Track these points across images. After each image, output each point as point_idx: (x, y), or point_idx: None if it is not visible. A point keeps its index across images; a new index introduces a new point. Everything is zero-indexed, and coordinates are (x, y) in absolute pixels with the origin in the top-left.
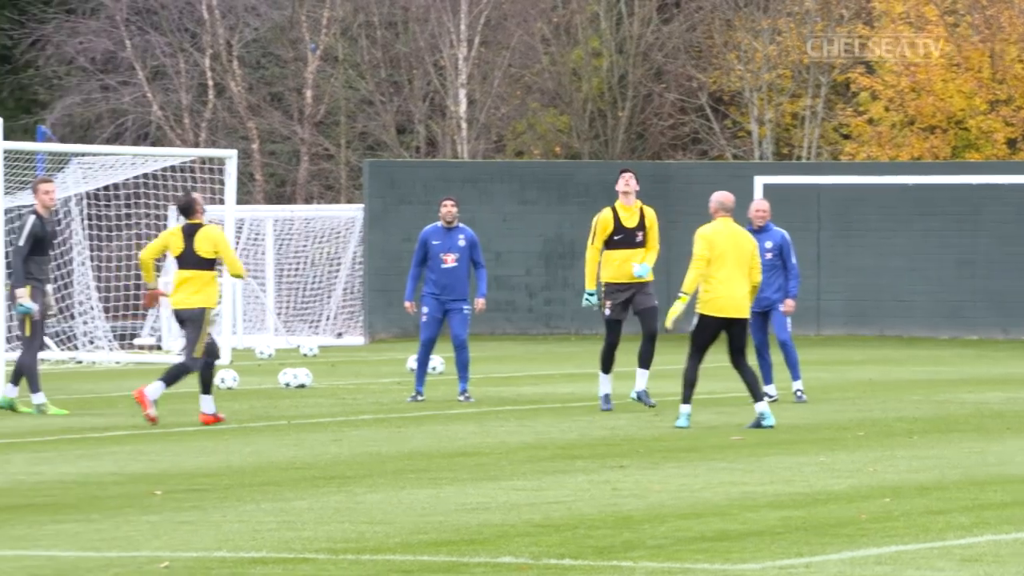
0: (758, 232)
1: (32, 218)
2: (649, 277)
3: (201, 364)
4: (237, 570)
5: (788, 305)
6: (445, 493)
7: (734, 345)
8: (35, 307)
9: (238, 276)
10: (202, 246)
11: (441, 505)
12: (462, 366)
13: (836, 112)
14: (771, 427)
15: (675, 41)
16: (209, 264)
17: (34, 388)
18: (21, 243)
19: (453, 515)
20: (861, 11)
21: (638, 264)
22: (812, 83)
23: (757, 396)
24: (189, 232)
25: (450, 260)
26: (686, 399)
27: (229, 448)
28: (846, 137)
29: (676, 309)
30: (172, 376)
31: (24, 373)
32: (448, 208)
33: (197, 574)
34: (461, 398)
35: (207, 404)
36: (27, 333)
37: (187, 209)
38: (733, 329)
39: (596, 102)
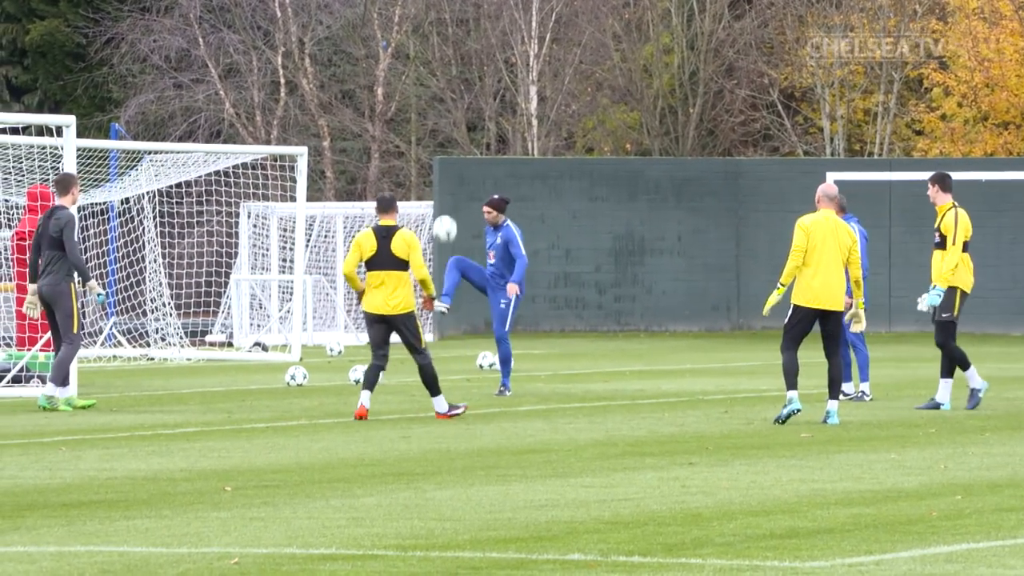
0: None
1: (75, 216)
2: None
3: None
4: (306, 566)
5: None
6: (514, 490)
7: (829, 337)
8: (104, 294)
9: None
10: (398, 247)
11: (510, 502)
12: (501, 361)
13: (908, 108)
14: (835, 426)
15: (746, 37)
16: (404, 265)
17: (64, 383)
18: (76, 238)
19: (522, 512)
20: (935, 6)
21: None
22: (884, 79)
23: (834, 393)
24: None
25: (491, 257)
26: (792, 385)
27: (299, 445)
28: (919, 133)
29: (772, 299)
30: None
31: (58, 364)
32: (485, 216)
33: (267, 570)
34: (496, 392)
35: (439, 404)
36: (74, 330)
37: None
38: (827, 320)
39: (667, 98)
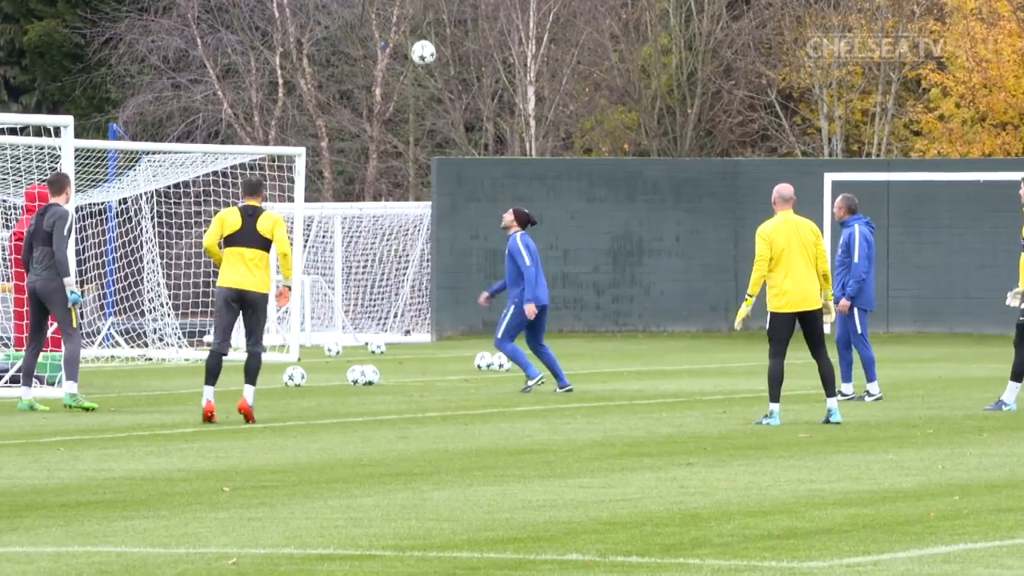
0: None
1: (71, 213)
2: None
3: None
4: (305, 567)
5: (841, 305)
6: (512, 490)
7: (811, 336)
8: (78, 294)
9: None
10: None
11: (508, 502)
12: (513, 360)
13: (907, 109)
14: (838, 424)
15: (744, 38)
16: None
17: (73, 378)
18: (66, 233)
19: (520, 512)
20: (933, 7)
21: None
22: (882, 79)
23: (830, 391)
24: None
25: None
26: (775, 397)
27: (297, 445)
28: (916, 134)
29: (743, 311)
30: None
31: (68, 364)
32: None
33: (265, 570)
34: (523, 388)
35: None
36: (73, 324)
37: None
38: (806, 321)
39: (665, 99)
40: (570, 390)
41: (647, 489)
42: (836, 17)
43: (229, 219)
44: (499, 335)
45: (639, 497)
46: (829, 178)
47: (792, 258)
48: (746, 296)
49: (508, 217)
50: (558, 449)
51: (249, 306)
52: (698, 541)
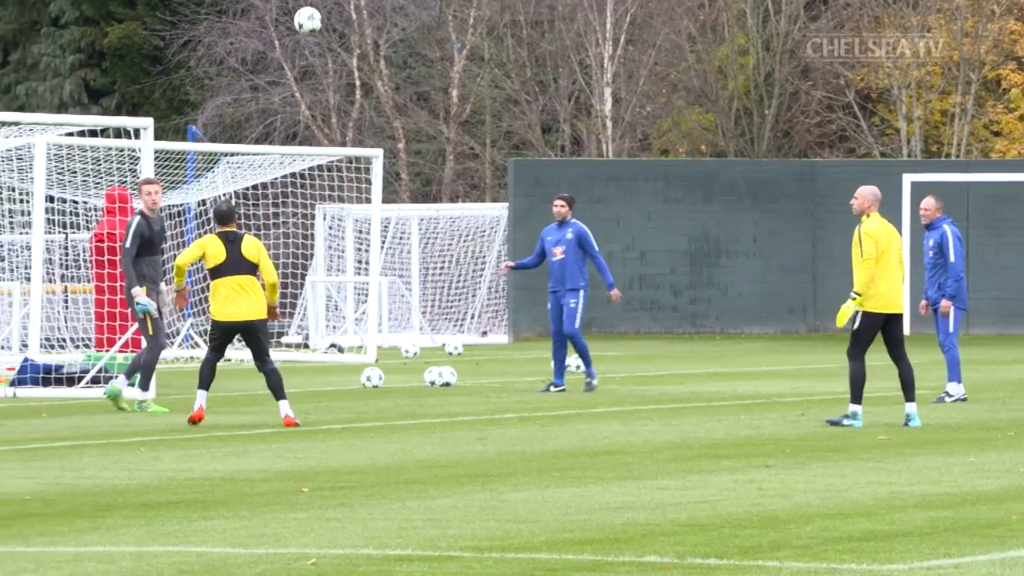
0: (926, 229)
1: (137, 219)
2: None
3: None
4: (383, 567)
5: (943, 306)
6: (590, 492)
7: (894, 339)
8: (152, 305)
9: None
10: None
11: (586, 504)
12: (580, 354)
13: (986, 109)
14: (915, 428)
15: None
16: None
17: (145, 387)
18: (127, 245)
19: (598, 514)
20: (1013, 6)
21: None
22: (962, 80)
23: (909, 395)
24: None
25: (558, 253)
26: (857, 399)
27: (374, 446)
28: (996, 134)
29: (849, 309)
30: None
31: (141, 369)
32: (556, 208)
33: (344, 571)
34: (585, 387)
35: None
36: (150, 332)
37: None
38: (892, 324)
39: (742, 100)
40: (589, 386)
41: (725, 491)
42: (915, 17)
43: (211, 250)
44: (577, 325)
45: (717, 499)
46: (908, 179)
47: (890, 260)
48: (853, 295)
49: (567, 206)
50: (635, 451)
51: (248, 333)
52: (777, 543)
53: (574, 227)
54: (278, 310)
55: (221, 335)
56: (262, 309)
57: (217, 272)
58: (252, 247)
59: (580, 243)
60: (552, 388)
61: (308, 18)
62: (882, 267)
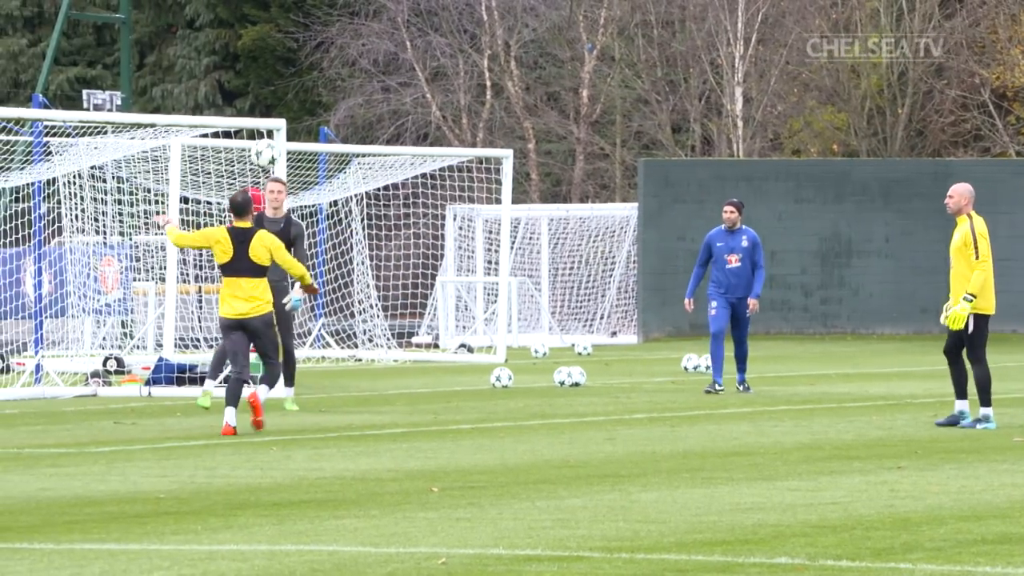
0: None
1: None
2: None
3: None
4: (513, 567)
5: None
6: (720, 493)
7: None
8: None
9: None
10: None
11: (716, 505)
12: (741, 359)
13: None
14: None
15: (957, 36)
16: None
17: (214, 377)
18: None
19: (728, 515)
20: None
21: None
22: None
23: (961, 393)
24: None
25: (734, 260)
26: (987, 401)
27: (504, 446)
28: None
29: (964, 312)
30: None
31: (214, 357)
32: (727, 215)
33: (474, 571)
34: (740, 388)
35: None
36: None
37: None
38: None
39: (875, 99)
40: (746, 389)
41: (856, 492)
42: None
43: (220, 247)
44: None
45: (848, 500)
46: None
47: (991, 261)
48: (970, 297)
49: (735, 212)
50: (766, 451)
51: (252, 332)
52: (909, 545)
53: (749, 235)
54: (316, 284)
55: (226, 332)
56: (262, 309)
57: (223, 270)
58: (262, 249)
59: (754, 251)
60: (717, 387)
61: (267, 147)
62: (990, 268)
